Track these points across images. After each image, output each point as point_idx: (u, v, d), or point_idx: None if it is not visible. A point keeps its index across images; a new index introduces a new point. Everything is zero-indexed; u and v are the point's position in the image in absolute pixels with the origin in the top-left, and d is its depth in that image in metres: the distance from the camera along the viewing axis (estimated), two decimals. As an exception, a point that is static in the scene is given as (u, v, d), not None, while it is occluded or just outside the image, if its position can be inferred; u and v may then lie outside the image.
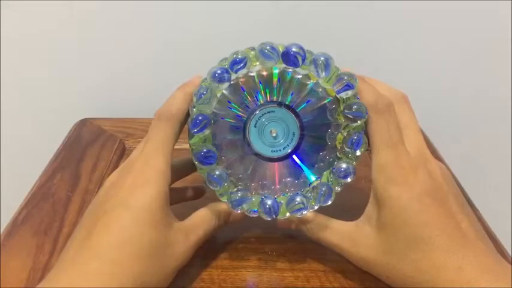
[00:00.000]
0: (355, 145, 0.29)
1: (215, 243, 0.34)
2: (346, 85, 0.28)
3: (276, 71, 0.30)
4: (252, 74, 0.30)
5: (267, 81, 0.30)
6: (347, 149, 0.30)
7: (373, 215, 0.29)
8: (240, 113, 0.31)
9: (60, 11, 0.51)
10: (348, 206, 0.31)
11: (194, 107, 0.30)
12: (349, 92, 0.29)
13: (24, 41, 0.52)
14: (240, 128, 0.31)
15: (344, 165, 0.30)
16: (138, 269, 0.26)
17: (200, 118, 0.29)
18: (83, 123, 0.51)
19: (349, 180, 0.30)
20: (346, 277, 0.31)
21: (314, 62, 0.29)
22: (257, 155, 0.31)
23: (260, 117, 0.30)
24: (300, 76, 0.30)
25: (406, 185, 0.28)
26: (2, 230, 0.35)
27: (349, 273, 0.32)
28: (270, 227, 0.33)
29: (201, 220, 0.31)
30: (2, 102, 0.56)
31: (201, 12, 0.52)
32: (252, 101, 0.30)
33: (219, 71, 0.29)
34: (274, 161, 0.32)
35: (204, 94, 0.29)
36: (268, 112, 0.30)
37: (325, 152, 0.31)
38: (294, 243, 0.34)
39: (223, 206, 0.31)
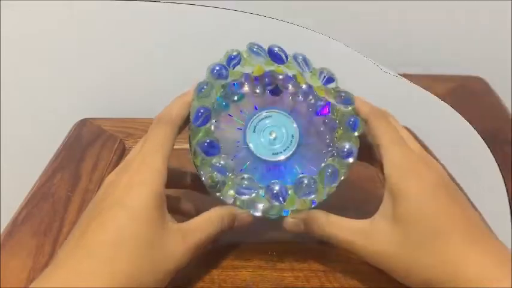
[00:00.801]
0: (353, 126, 0.31)
1: (215, 243, 0.34)
2: (328, 78, 0.32)
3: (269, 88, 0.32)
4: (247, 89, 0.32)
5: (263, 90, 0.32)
6: (347, 127, 0.31)
7: (388, 211, 0.29)
8: (238, 119, 0.31)
9: (60, 11, 0.51)
10: (355, 207, 0.31)
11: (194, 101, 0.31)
12: (332, 84, 0.32)
13: (24, 41, 0.52)
14: (239, 132, 0.31)
15: (347, 145, 0.31)
16: (133, 268, 0.26)
17: (202, 111, 0.30)
18: (83, 123, 0.51)
19: (351, 160, 0.31)
20: (346, 277, 0.32)
21: (295, 59, 0.32)
22: (257, 158, 0.31)
23: (258, 122, 0.31)
24: (290, 87, 0.32)
25: (419, 178, 0.29)
26: (2, 230, 0.35)
27: (349, 273, 0.32)
28: (270, 227, 0.34)
29: (201, 223, 0.30)
30: (2, 102, 0.56)
31: (201, 13, 0.52)
32: (250, 107, 0.31)
33: (217, 67, 0.31)
34: (275, 164, 0.32)
35: (204, 88, 0.30)
36: (266, 117, 0.32)
37: (324, 159, 0.32)
38: (294, 243, 0.34)
39: (226, 210, 0.31)
